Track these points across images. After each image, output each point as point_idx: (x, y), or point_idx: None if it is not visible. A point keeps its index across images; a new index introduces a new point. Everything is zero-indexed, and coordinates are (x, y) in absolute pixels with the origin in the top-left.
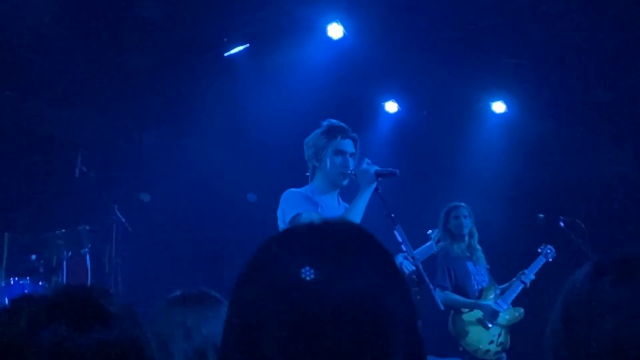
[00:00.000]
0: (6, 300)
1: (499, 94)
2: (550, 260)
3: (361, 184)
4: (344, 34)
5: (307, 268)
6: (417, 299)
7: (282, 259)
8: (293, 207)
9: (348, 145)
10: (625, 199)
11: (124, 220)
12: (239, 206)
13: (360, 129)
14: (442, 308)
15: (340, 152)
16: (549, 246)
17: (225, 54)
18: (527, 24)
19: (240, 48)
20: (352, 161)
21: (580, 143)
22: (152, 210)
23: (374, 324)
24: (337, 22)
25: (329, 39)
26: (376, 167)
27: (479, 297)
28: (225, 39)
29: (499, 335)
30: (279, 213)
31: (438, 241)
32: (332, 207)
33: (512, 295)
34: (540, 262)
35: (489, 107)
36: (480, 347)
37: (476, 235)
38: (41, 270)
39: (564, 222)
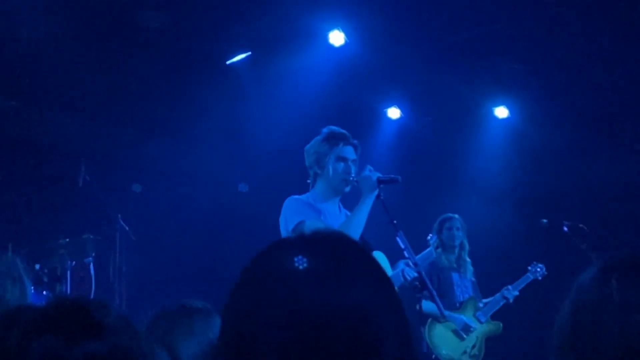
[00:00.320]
0: None
1: (501, 99)
2: (540, 278)
3: (363, 191)
4: (346, 41)
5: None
6: (418, 305)
7: (274, 269)
8: (296, 215)
9: (350, 152)
10: (629, 203)
11: (127, 229)
12: (243, 214)
13: (363, 136)
14: (445, 315)
15: (342, 159)
16: (539, 265)
17: (227, 62)
18: (529, 29)
19: (242, 56)
20: (354, 167)
21: (583, 148)
22: (157, 218)
23: (365, 336)
24: (338, 29)
25: (331, 46)
26: (378, 174)
27: (459, 308)
28: (227, 47)
29: (473, 346)
30: (281, 220)
31: (437, 247)
32: (333, 213)
33: (493, 309)
34: (526, 279)
35: (491, 112)
36: (452, 356)
37: (467, 247)
38: (45, 279)
39: (567, 227)
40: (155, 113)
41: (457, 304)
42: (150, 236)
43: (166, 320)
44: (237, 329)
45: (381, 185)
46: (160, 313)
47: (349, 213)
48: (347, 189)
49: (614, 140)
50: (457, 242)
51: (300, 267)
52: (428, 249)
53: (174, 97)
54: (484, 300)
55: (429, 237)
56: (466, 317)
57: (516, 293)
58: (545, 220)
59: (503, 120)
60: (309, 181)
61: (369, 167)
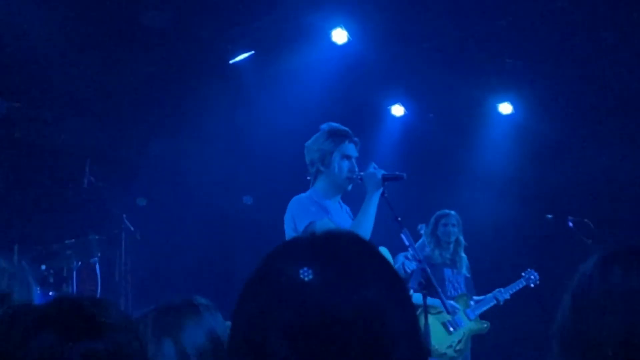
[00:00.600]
0: None
1: (505, 95)
2: (532, 285)
3: (368, 189)
4: (349, 39)
5: (309, 279)
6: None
7: (285, 271)
8: (305, 215)
9: (353, 150)
10: (634, 198)
11: (132, 229)
12: (246, 212)
13: (367, 133)
14: (450, 311)
15: (347, 157)
16: (533, 272)
17: (231, 62)
18: (533, 25)
19: (245, 55)
20: (356, 165)
21: (588, 143)
22: (161, 218)
23: (376, 335)
24: (341, 27)
25: (334, 44)
26: (383, 172)
27: None
28: (230, 46)
29: (459, 342)
30: (287, 220)
31: (431, 243)
32: (336, 211)
33: (483, 308)
34: (519, 284)
35: (495, 108)
36: (437, 348)
37: (463, 243)
38: (51, 280)
39: (572, 222)
40: (159, 113)
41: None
42: (155, 236)
43: (173, 313)
44: (248, 330)
45: (386, 183)
46: (166, 306)
47: (349, 210)
48: (350, 186)
49: (618, 135)
50: (452, 239)
51: (306, 278)
52: (421, 240)
53: (178, 97)
54: (476, 298)
55: (419, 227)
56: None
57: (507, 296)
58: (550, 216)
59: (507, 116)
60: (309, 178)
61: (373, 164)
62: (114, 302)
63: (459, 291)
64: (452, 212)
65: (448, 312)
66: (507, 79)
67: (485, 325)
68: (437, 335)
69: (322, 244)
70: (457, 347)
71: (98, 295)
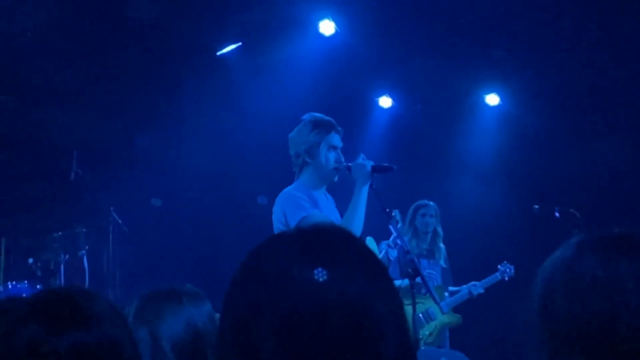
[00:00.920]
0: None
1: (492, 86)
2: (507, 279)
3: (357, 180)
4: (336, 30)
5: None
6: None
7: (272, 266)
8: (297, 209)
9: (338, 140)
10: (621, 188)
11: (120, 221)
12: (234, 205)
13: (355, 125)
14: (439, 301)
15: (333, 147)
16: (509, 265)
17: (218, 53)
18: (520, 16)
19: (233, 47)
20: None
21: (575, 134)
22: (148, 210)
23: (363, 328)
24: (328, 18)
25: (321, 36)
26: (372, 163)
27: (425, 295)
28: (217, 38)
29: (430, 334)
30: (277, 214)
31: (408, 233)
32: (323, 202)
33: (457, 302)
34: (494, 278)
35: (482, 99)
36: None
37: (441, 234)
38: (39, 273)
39: (559, 213)
40: (146, 105)
41: (423, 291)
42: (143, 228)
43: (153, 301)
44: (236, 325)
45: (374, 174)
46: (149, 294)
47: (331, 198)
48: (337, 177)
49: (606, 125)
50: (430, 229)
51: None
52: (398, 226)
53: (165, 90)
54: (451, 289)
55: (394, 213)
56: (430, 304)
57: (481, 290)
58: (537, 206)
59: (494, 107)
60: (294, 170)
61: (362, 155)
62: (102, 293)
63: (435, 283)
64: (431, 203)
65: (437, 302)
66: (494, 70)
67: (458, 318)
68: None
69: (309, 238)
70: (428, 340)
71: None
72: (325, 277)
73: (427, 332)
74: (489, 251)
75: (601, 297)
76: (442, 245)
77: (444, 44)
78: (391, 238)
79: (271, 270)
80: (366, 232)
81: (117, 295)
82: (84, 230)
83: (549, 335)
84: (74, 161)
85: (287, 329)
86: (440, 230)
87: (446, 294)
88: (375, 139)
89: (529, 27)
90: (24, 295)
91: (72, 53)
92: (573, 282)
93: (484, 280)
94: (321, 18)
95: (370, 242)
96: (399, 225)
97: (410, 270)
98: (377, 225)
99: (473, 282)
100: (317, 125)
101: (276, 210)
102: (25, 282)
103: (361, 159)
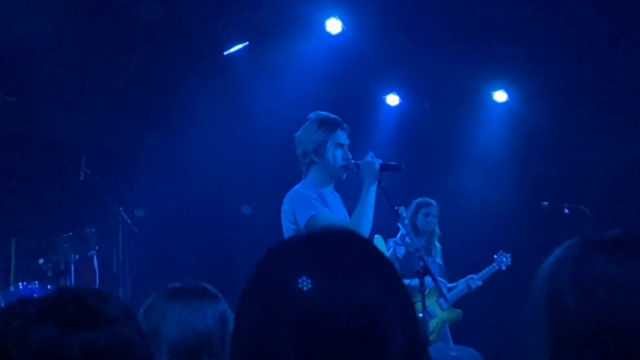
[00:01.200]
0: None
1: (500, 83)
2: (504, 268)
3: (365, 178)
4: (343, 29)
5: (305, 278)
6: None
7: (285, 269)
8: (306, 208)
9: (344, 137)
10: (630, 184)
11: (129, 221)
12: (245, 204)
13: (362, 123)
14: (448, 299)
15: (340, 145)
16: (505, 254)
17: (225, 53)
18: (527, 12)
19: (240, 46)
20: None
21: (583, 130)
22: (158, 210)
23: (374, 329)
24: (335, 16)
25: (328, 34)
26: (380, 161)
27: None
28: (224, 38)
29: (432, 332)
30: (286, 212)
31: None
32: (331, 200)
33: (455, 297)
34: (491, 269)
35: (490, 96)
36: None
37: (438, 233)
38: (49, 274)
39: (568, 209)
40: (154, 106)
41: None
42: (153, 229)
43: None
44: (251, 331)
45: (383, 172)
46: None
47: (338, 196)
48: (345, 175)
49: (614, 121)
50: (430, 228)
51: (305, 288)
52: (406, 222)
53: (173, 89)
54: (449, 285)
55: (400, 210)
56: (429, 302)
57: (479, 283)
58: (546, 203)
59: (502, 104)
60: (302, 169)
61: (371, 153)
62: (114, 293)
63: (432, 282)
64: (434, 202)
65: (446, 300)
66: (502, 67)
67: (458, 314)
68: None
69: (319, 242)
70: (431, 338)
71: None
72: (309, 285)
73: (428, 331)
74: (498, 248)
75: (616, 299)
76: (438, 244)
77: (451, 41)
78: (398, 235)
79: (283, 275)
80: (373, 229)
81: (127, 295)
82: (94, 230)
83: (554, 333)
84: (83, 161)
85: (301, 333)
86: (437, 230)
87: (445, 290)
88: (383, 137)
89: (537, 23)
90: (35, 295)
91: (81, 54)
92: (584, 284)
93: (481, 273)
94: (328, 16)
95: (378, 240)
96: (406, 222)
97: (419, 268)
98: (384, 223)
99: (471, 275)
100: (323, 123)
101: (285, 209)
102: (36, 282)
103: (370, 156)
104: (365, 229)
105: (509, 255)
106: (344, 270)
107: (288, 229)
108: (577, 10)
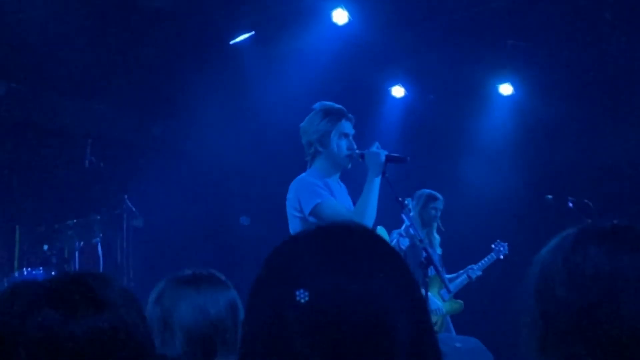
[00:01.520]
0: None
1: (506, 76)
2: (502, 257)
3: (370, 168)
4: (349, 19)
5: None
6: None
7: (294, 264)
8: (312, 196)
9: (349, 127)
10: (635, 179)
11: (134, 209)
12: (250, 193)
13: (367, 115)
14: (451, 291)
15: (344, 135)
16: (502, 243)
17: (231, 42)
18: (533, 5)
19: (246, 36)
20: (354, 142)
21: (589, 124)
22: (162, 198)
23: (384, 323)
24: (341, 7)
25: (334, 25)
26: (386, 152)
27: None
28: (230, 27)
29: (435, 323)
30: (291, 200)
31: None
32: (337, 190)
33: (457, 287)
34: (490, 259)
35: (496, 89)
36: None
37: (438, 225)
38: (54, 260)
39: (572, 203)
40: (160, 94)
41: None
42: (157, 217)
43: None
44: (262, 326)
45: (387, 163)
46: (171, 278)
47: (343, 186)
48: (350, 164)
49: (619, 115)
50: (434, 222)
51: (302, 300)
52: (411, 214)
53: (178, 78)
54: (448, 276)
55: (406, 201)
56: (431, 294)
57: (479, 273)
58: (550, 196)
59: (508, 97)
60: (307, 159)
61: (376, 143)
62: (117, 277)
63: (434, 271)
64: (440, 197)
65: (449, 291)
66: (508, 59)
67: (460, 305)
68: None
69: (327, 237)
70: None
71: None
72: (307, 298)
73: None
74: (501, 240)
75: (604, 288)
76: (437, 235)
77: (457, 34)
78: (403, 227)
79: (292, 270)
80: (377, 220)
81: (131, 283)
82: (98, 217)
83: (543, 320)
84: (88, 149)
85: (311, 327)
86: (439, 222)
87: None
88: (388, 128)
89: (543, 16)
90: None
91: (87, 42)
92: (575, 273)
93: (480, 263)
94: (334, 7)
95: (381, 231)
96: (411, 214)
97: (423, 259)
98: (388, 214)
99: (470, 266)
100: (327, 113)
101: (290, 196)
102: (41, 268)
103: (375, 147)
104: (368, 220)
105: (505, 244)
106: (354, 265)
107: (292, 217)
108: (584, 3)
